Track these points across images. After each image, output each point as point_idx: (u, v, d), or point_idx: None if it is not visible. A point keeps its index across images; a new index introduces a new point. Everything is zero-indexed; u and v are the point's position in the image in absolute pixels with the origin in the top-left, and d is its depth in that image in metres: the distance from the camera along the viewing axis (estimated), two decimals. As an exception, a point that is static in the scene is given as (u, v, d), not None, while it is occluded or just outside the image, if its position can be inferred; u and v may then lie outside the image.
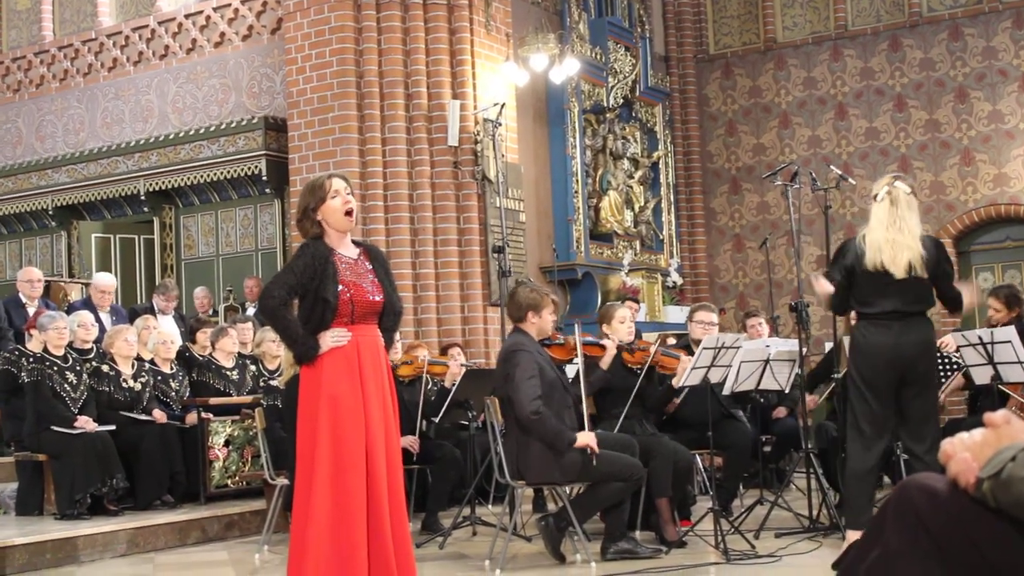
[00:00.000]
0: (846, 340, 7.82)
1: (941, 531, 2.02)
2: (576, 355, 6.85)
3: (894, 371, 6.10)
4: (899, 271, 6.00)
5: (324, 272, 4.85)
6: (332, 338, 4.87)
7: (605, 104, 14.47)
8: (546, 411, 6.31)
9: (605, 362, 7.10)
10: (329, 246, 4.94)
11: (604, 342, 7.17)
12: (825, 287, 6.40)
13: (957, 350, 7.44)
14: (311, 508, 4.77)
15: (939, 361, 7.23)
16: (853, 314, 8.72)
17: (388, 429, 4.98)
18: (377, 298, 4.97)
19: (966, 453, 2.01)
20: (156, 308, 11.08)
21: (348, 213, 4.95)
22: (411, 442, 7.97)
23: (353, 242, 5.11)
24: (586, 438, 6.35)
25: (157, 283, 12.27)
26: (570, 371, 7.63)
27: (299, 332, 4.87)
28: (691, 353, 7.49)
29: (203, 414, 8.95)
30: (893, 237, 6.02)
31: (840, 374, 8.14)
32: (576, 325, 7.21)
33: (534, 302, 6.57)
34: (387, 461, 4.93)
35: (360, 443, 4.82)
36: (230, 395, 9.43)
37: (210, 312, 12.29)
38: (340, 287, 4.85)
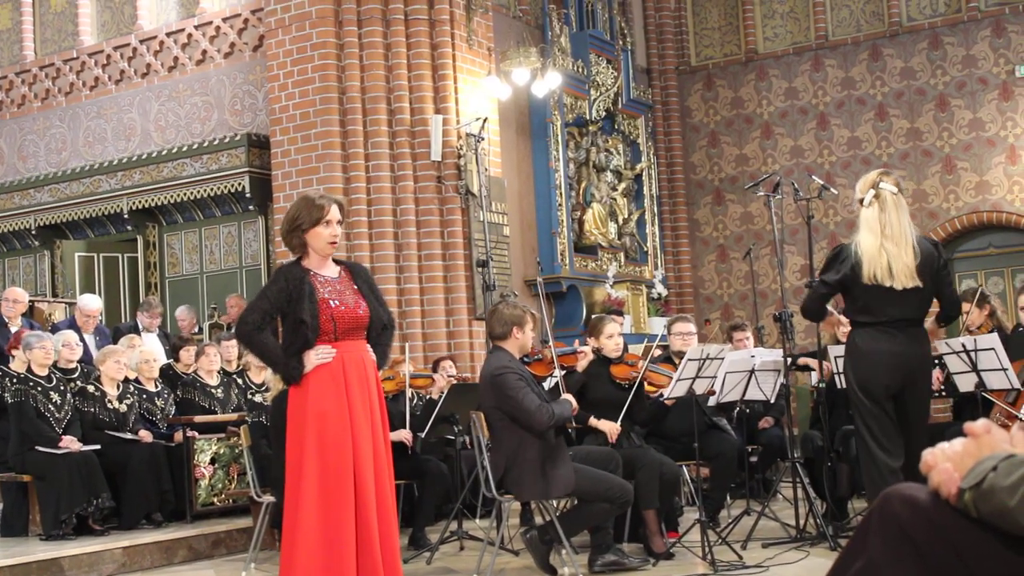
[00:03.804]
0: (830, 349, 7.84)
1: (924, 541, 2.02)
2: (554, 368, 6.89)
3: (895, 381, 6.07)
4: (896, 283, 5.96)
5: (300, 293, 4.88)
6: (317, 356, 4.89)
7: (587, 117, 14.49)
8: (551, 407, 6.37)
9: (581, 365, 7.15)
10: (306, 267, 4.99)
11: (580, 348, 7.19)
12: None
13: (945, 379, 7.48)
14: (299, 525, 4.78)
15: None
16: (839, 319, 8.79)
17: (377, 444, 5.00)
18: (360, 311, 5.00)
19: (947, 463, 2.01)
20: (140, 326, 11.05)
21: (331, 244, 5.02)
22: (405, 435, 7.98)
23: (334, 261, 5.15)
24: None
25: (141, 301, 12.23)
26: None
27: (278, 354, 4.90)
28: (675, 366, 7.51)
29: (188, 432, 8.93)
30: (886, 247, 5.94)
31: (823, 384, 8.17)
32: (548, 333, 7.26)
33: (518, 318, 6.57)
34: (376, 475, 4.95)
35: (347, 459, 4.83)
36: (215, 413, 9.40)
37: (195, 331, 12.25)
38: (318, 306, 4.89)
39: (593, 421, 7.17)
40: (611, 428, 7.12)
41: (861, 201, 6.09)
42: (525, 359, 6.75)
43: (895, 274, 5.95)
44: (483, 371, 6.68)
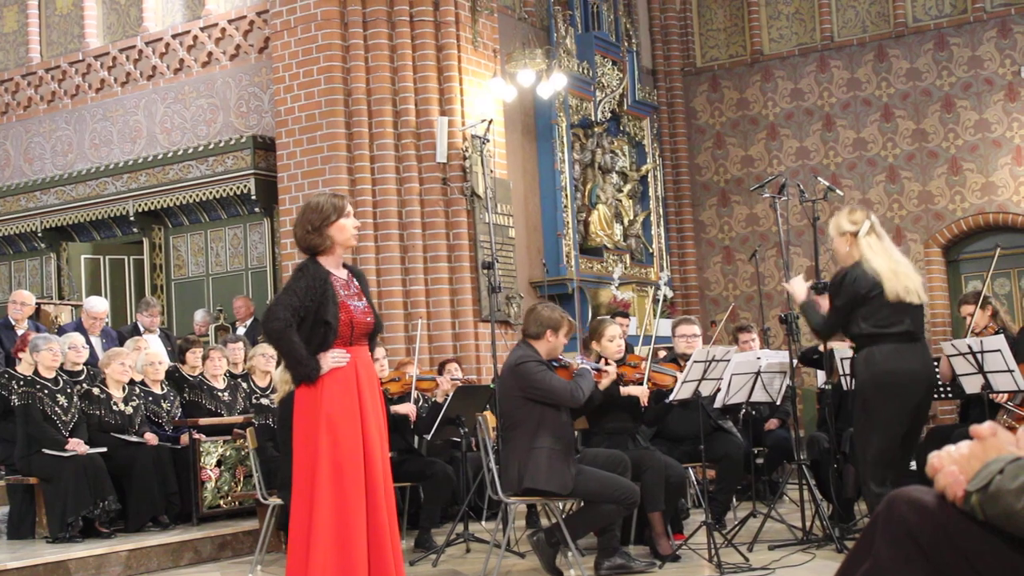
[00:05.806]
0: (836, 352, 7.81)
1: (930, 544, 2.02)
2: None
3: (920, 396, 6.30)
4: (914, 298, 6.25)
5: (324, 294, 4.93)
6: (332, 359, 4.94)
7: (593, 118, 14.49)
8: (578, 384, 6.48)
9: (604, 384, 7.08)
10: (325, 268, 5.01)
11: (605, 368, 7.13)
12: (799, 290, 6.61)
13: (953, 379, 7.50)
14: (313, 526, 4.81)
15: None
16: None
17: (383, 449, 5.06)
18: (370, 319, 5.09)
19: (954, 466, 2.01)
20: (140, 326, 11.05)
21: (354, 236, 5.17)
22: (410, 408, 8.04)
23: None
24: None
25: (139, 301, 12.23)
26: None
27: (304, 353, 4.93)
28: (680, 366, 7.50)
29: (194, 434, 8.93)
30: (895, 268, 6.28)
31: (830, 385, 8.14)
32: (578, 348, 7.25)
33: (556, 322, 6.52)
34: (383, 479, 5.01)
35: (359, 462, 4.88)
36: (221, 415, 9.40)
37: (204, 333, 12.28)
38: (339, 309, 4.94)
39: (624, 390, 7.23)
40: (642, 391, 7.22)
41: (853, 234, 6.35)
42: (553, 363, 6.69)
43: (910, 291, 6.26)
44: (506, 362, 6.69)
